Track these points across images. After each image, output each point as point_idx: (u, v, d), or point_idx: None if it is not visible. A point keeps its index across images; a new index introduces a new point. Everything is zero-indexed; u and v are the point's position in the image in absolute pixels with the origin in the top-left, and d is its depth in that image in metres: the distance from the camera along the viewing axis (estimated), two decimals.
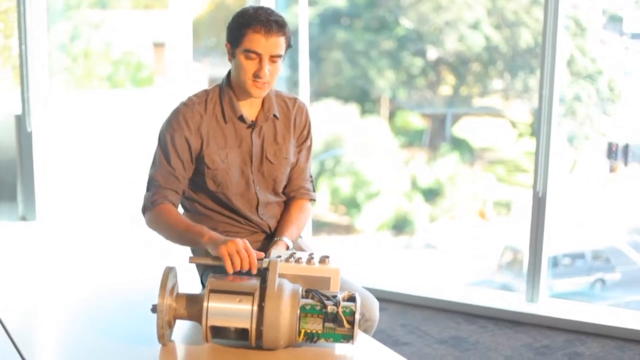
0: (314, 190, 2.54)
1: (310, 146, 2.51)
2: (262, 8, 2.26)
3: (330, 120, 7.70)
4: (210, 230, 2.16)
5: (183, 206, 2.45)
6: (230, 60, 2.30)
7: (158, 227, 2.30)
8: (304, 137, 2.47)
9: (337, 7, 8.10)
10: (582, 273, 7.13)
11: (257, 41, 2.21)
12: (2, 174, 5.30)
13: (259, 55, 2.22)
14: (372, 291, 2.43)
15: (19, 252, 3.88)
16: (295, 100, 2.47)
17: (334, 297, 1.95)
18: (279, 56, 2.24)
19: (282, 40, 2.23)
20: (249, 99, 2.33)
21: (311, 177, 2.54)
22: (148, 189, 2.34)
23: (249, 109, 2.35)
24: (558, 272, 7.12)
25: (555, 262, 7.17)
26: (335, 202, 7.90)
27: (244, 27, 2.22)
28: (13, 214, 4.96)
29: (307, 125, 2.48)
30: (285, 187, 2.48)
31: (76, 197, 5.16)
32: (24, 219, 4.87)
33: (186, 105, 2.34)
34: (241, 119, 2.33)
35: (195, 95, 2.37)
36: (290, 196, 2.49)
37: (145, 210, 2.33)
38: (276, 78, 2.30)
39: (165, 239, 2.29)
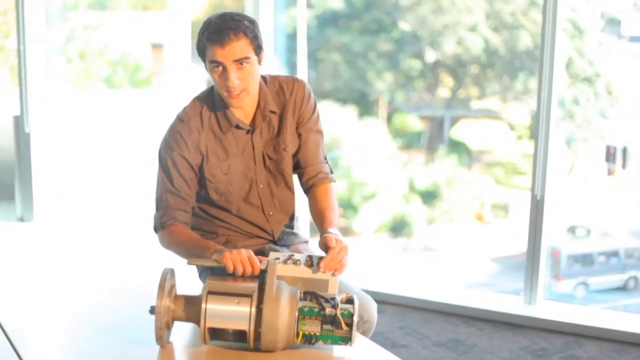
0: (331, 172, 2.44)
1: (319, 130, 2.41)
2: (222, 16, 2.19)
3: (328, 122, 7.69)
4: (217, 244, 2.14)
5: None
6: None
7: (170, 247, 2.28)
8: (305, 117, 2.37)
9: (334, 9, 8.10)
10: (616, 271, 7.18)
11: (215, 51, 2.14)
12: (0, 174, 5.30)
13: (220, 64, 2.16)
14: (370, 293, 2.42)
15: (16, 253, 3.88)
16: (293, 81, 2.38)
17: (332, 299, 1.95)
18: (245, 59, 2.16)
19: (242, 44, 2.15)
20: None
21: (326, 158, 2.45)
22: (157, 209, 2.32)
23: (244, 113, 2.30)
24: (593, 270, 7.16)
25: (590, 260, 7.22)
26: None
27: (203, 40, 2.18)
28: (11, 215, 4.96)
29: (306, 102, 2.37)
30: (302, 176, 2.41)
31: (74, 198, 5.15)
32: (21, 219, 4.87)
33: (182, 121, 2.28)
34: (238, 126, 2.30)
35: (189, 108, 2.31)
36: (309, 184, 2.40)
37: (156, 230, 2.33)
38: (253, 81, 2.21)
39: (179, 256, 2.25)
